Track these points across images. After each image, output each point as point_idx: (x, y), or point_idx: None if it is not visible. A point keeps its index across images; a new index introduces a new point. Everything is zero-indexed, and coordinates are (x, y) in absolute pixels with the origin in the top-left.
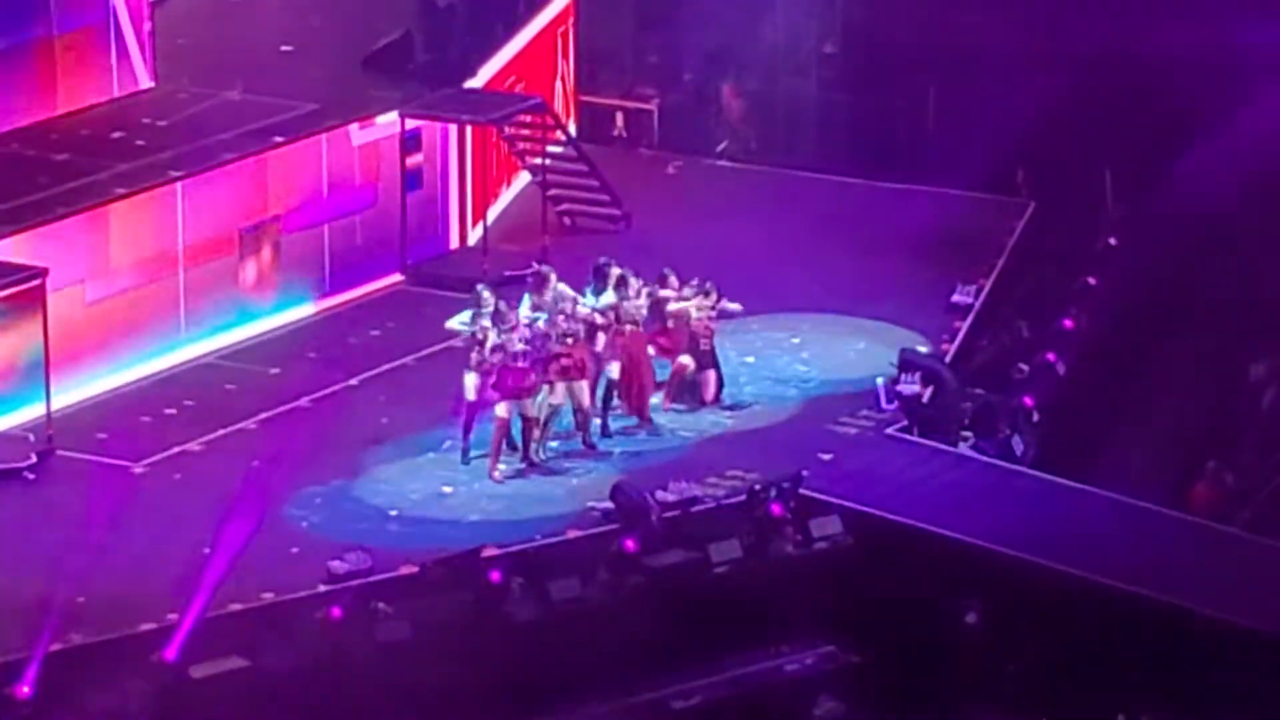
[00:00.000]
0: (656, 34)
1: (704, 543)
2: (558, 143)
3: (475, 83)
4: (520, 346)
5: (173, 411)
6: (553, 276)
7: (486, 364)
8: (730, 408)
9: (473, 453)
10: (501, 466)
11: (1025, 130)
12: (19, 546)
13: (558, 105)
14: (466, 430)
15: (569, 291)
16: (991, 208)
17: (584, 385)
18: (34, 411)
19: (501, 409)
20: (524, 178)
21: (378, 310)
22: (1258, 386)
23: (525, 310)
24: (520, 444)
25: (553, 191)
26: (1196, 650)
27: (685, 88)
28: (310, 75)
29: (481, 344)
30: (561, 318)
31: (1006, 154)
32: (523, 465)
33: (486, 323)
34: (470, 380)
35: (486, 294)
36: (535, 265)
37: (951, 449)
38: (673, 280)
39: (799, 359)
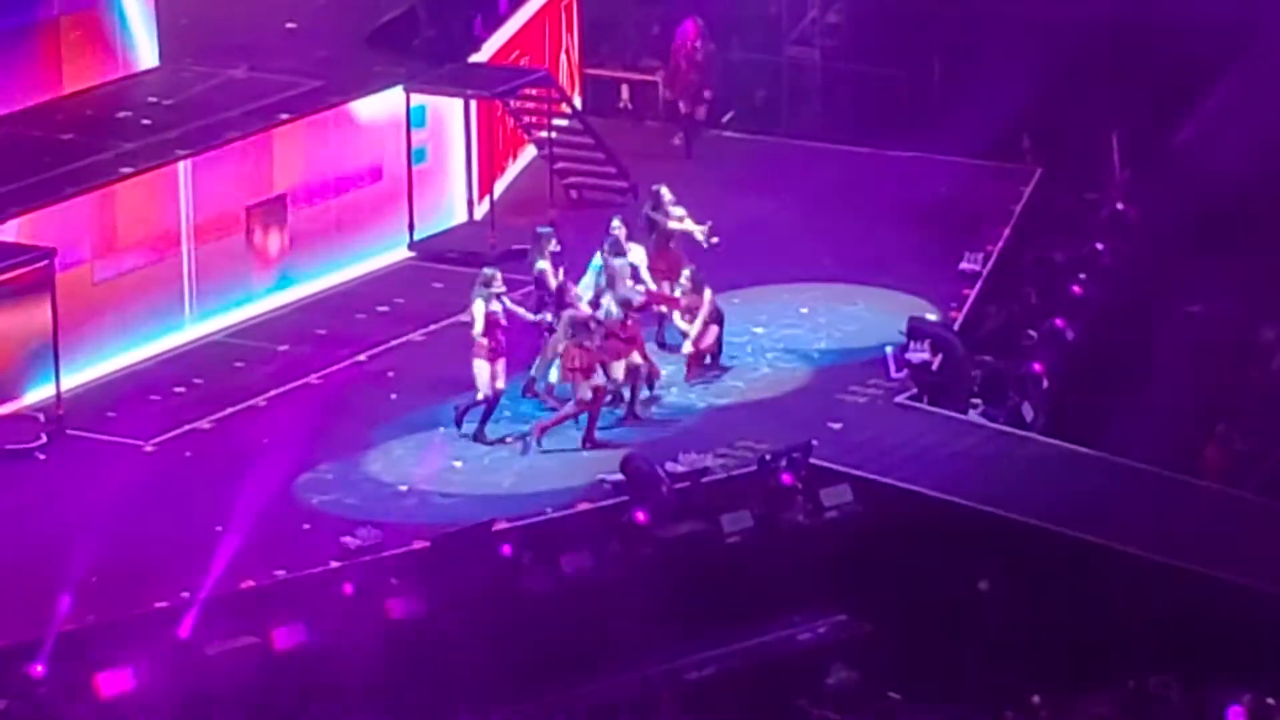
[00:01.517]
0: (660, 5)
1: (715, 514)
2: (563, 116)
3: (480, 57)
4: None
5: (182, 390)
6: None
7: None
8: (725, 368)
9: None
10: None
11: (1031, 96)
12: (30, 526)
13: (563, 78)
14: (488, 415)
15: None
16: (998, 174)
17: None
18: (44, 391)
19: (585, 390)
20: (530, 151)
21: (385, 286)
22: (1268, 349)
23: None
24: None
25: (559, 165)
26: (1208, 614)
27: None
28: (315, 52)
29: (493, 329)
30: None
31: (1012, 120)
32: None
33: (496, 306)
34: (483, 369)
35: (492, 273)
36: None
37: (961, 416)
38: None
39: (807, 329)
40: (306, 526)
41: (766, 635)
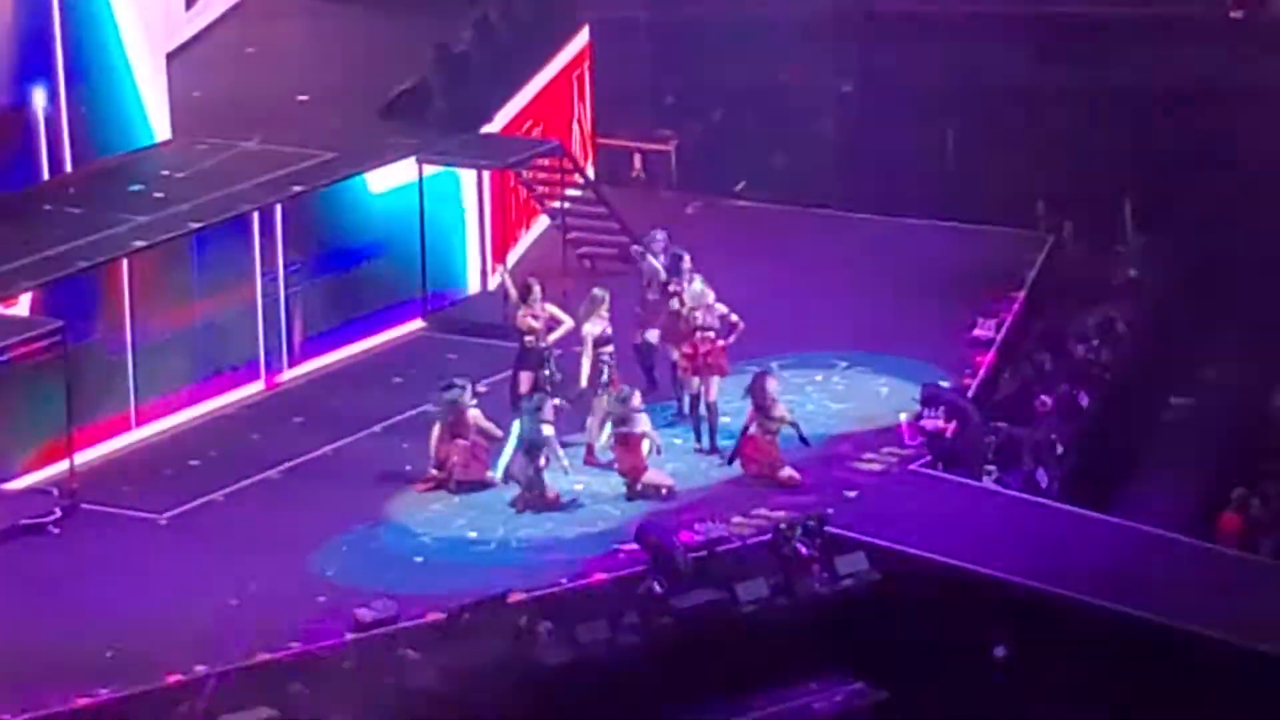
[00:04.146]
0: (673, 75)
1: (731, 582)
2: (576, 185)
3: (492, 128)
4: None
5: (196, 462)
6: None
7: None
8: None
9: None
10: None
11: (1044, 163)
12: (45, 600)
13: (575, 148)
14: None
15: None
16: (1011, 241)
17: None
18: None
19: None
20: (543, 221)
21: (399, 356)
22: None
23: None
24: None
25: (572, 234)
26: (1224, 680)
27: (704, 128)
28: (328, 124)
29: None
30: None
31: (1025, 187)
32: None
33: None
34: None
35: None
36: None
37: (976, 483)
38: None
39: (822, 397)
40: (321, 599)
41: (783, 703)
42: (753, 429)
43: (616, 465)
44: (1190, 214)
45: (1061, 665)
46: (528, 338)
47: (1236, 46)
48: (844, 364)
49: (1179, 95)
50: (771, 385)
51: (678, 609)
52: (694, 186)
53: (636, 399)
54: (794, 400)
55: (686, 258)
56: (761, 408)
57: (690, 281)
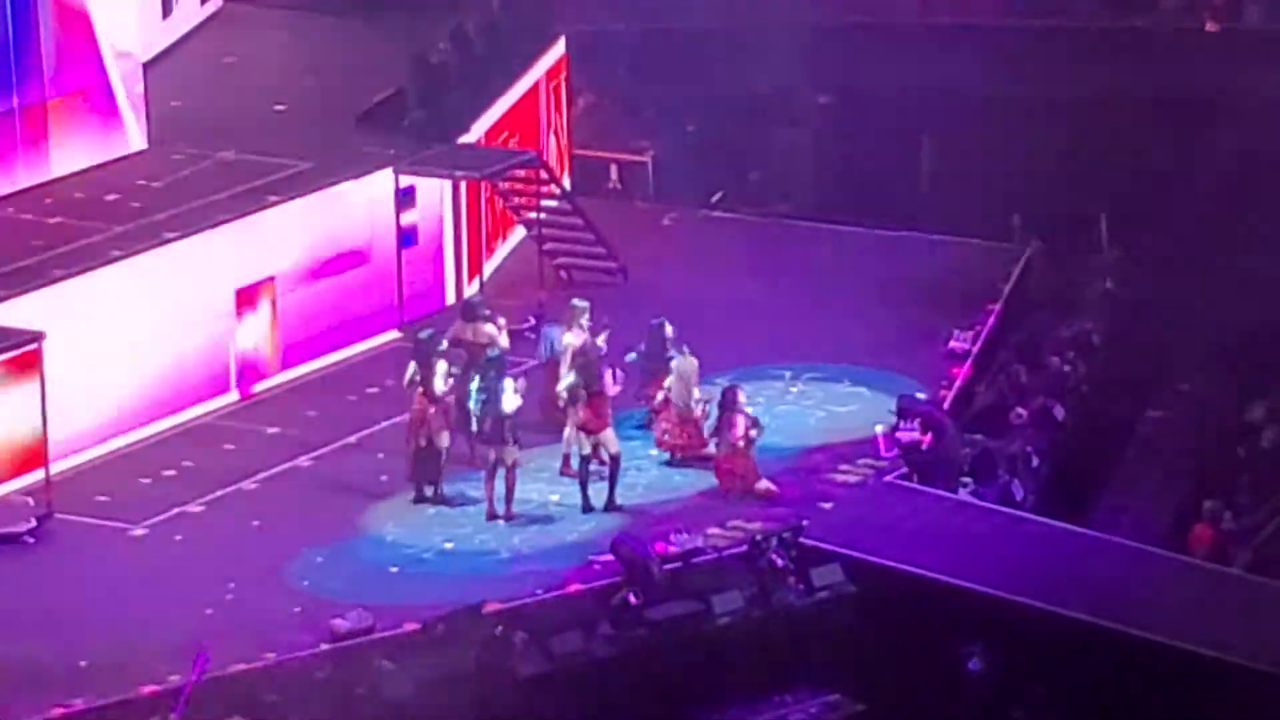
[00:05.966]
0: (650, 87)
1: (706, 594)
2: (552, 197)
3: (469, 138)
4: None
5: (172, 473)
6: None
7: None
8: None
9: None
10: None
11: (1020, 176)
12: (19, 611)
13: (552, 159)
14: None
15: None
16: (987, 254)
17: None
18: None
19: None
20: (519, 232)
21: (375, 368)
22: (1255, 427)
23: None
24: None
25: (549, 245)
26: (1197, 691)
27: (681, 140)
28: (304, 134)
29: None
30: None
31: (1001, 200)
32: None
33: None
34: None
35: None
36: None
37: (951, 495)
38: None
39: (799, 408)
40: (297, 609)
41: (759, 715)
42: (723, 446)
43: (581, 420)
44: (1166, 227)
45: (1036, 677)
46: (489, 349)
47: (1212, 58)
48: (809, 375)
49: (1155, 107)
50: (742, 397)
51: (652, 620)
52: (671, 198)
53: (598, 341)
54: (771, 411)
55: (668, 326)
56: (733, 421)
57: (673, 357)
